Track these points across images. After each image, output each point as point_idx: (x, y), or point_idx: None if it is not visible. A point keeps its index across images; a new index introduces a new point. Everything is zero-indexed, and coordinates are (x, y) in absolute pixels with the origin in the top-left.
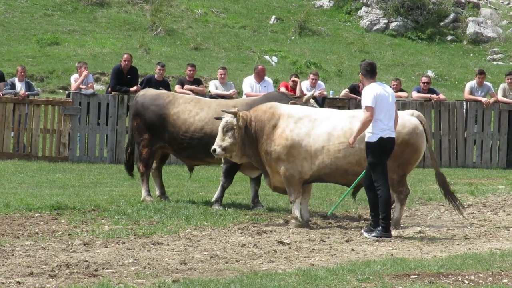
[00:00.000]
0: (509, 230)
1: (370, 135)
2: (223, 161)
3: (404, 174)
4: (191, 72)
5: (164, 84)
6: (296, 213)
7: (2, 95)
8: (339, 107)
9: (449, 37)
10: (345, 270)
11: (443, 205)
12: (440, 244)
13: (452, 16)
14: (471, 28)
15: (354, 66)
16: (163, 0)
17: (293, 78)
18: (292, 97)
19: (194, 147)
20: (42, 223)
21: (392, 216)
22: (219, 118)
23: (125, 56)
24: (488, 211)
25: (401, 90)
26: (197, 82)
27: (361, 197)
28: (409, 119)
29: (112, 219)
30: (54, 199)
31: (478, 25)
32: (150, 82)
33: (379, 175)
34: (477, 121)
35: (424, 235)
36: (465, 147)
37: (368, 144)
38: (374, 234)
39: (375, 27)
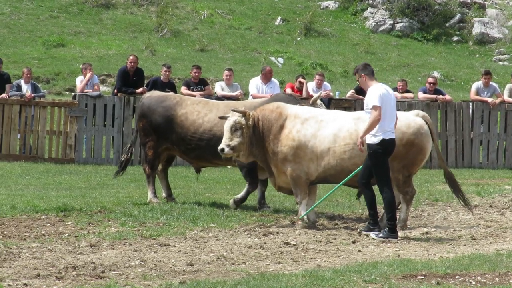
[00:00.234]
0: None
1: (372, 137)
2: (239, 163)
3: (410, 175)
4: (196, 74)
5: (170, 86)
6: (303, 213)
7: (8, 97)
8: (345, 108)
9: (455, 38)
10: (352, 271)
11: (450, 205)
12: (446, 245)
13: (458, 16)
14: (477, 29)
15: None
16: (168, 2)
17: (299, 79)
18: (299, 98)
19: (203, 148)
20: (48, 225)
21: (398, 216)
22: (224, 118)
23: (131, 57)
24: (494, 212)
25: (407, 91)
26: (203, 83)
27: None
28: (414, 119)
29: (119, 221)
30: (60, 201)
31: (484, 25)
32: (156, 84)
33: (382, 176)
34: (483, 121)
35: (430, 236)
36: (471, 147)
37: (371, 146)
38: (380, 235)
39: (381, 28)
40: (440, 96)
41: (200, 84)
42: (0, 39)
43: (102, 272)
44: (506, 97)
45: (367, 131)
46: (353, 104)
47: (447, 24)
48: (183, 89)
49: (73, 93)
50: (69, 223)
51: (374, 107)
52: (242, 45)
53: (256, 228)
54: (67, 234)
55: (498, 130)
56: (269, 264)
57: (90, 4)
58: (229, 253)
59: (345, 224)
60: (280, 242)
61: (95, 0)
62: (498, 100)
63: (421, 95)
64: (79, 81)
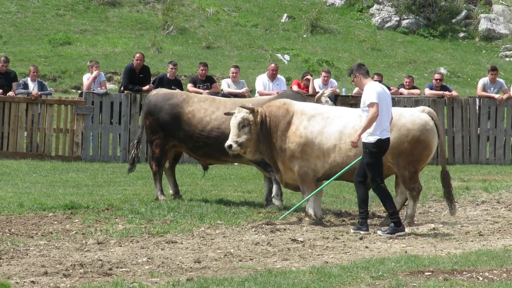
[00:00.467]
0: None
1: (369, 136)
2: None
3: (416, 171)
4: (203, 71)
5: (176, 83)
6: (310, 211)
7: (15, 95)
8: (351, 105)
9: (461, 34)
10: (359, 267)
11: (457, 202)
12: (454, 241)
13: (464, 13)
14: (483, 25)
15: (367, 64)
16: None
17: (306, 76)
18: (306, 95)
19: (210, 146)
20: (56, 222)
21: (405, 213)
22: (230, 114)
23: (137, 55)
24: (502, 208)
25: (414, 87)
26: (209, 80)
27: (374, 195)
28: (419, 115)
29: (126, 218)
30: (67, 198)
31: (490, 21)
32: (162, 81)
33: (376, 175)
34: (490, 117)
35: (438, 232)
36: (478, 143)
37: (366, 144)
38: (387, 231)
39: (387, 25)
40: (447, 93)
41: (206, 81)
42: (6, 37)
43: (110, 269)
44: None
45: (365, 128)
46: (360, 101)
47: (453, 21)
48: (190, 86)
49: (79, 91)
50: (76, 220)
51: (372, 104)
52: (248, 42)
53: (263, 225)
54: (74, 232)
55: (505, 126)
56: (276, 261)
57: (96, 2)
58: (236, 250)
59: (352, 221)
60: (287, 239)
61: None
62: (505, 96)
63: (427, 91)
64: (86, 79)
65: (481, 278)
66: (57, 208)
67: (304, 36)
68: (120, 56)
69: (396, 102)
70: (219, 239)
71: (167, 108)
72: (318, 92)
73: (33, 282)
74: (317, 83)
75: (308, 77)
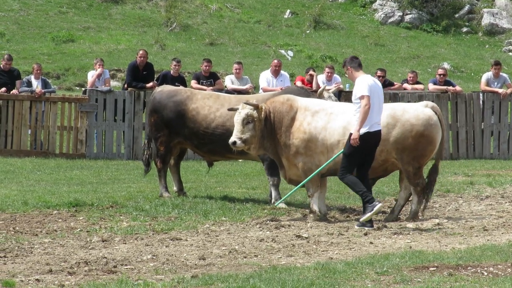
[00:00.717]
0: None
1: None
2: (261, 158)
3: (420, 166)
4: (207, 67)
5: (180, 80)
6: (314, 207)
7: (19, 93)
8: None
9: (465, 29)
10: (364, 263)
11: (461, 196)
12: (458, 236)
13: (467, 7)
14: (486, 20)
15: (370, 59)
16: None
17: (310, 72)
18: (310, 91)
19: (215, 143)
20: (60, 220)
21: (410, 208)
22: (233, 109)
23: (141, 52)
24: (506, 202)
25: (417, 83)
26: (213, 76)
27: (378, 190)
28: (423, 110)
29: (130, 216)
30: (72, 196)
31: (493, 16)
32: (166, 78)
33: (348, 165)
34: (494, 112)
35: (442, 227)
36: (482, 138)
37: (351, 135)
38: (363, 216)
39: (390, 20)
40: (451, 87)
41: (210, 78)
42: (9, 35)
43: (114, 267)
44: None
45: (361, 122)
46: None
47: (456, 15)
48: (193, 83)
49: (83, 89)
50: (81, 218)
51: (363, 97)
52: (251, 39)
53: (268, 222)
54: (79, 229)
55: (509, 121)
56: (281, 257)
57: None
58: (241, 246)
59: (357, 216)
60: (292, 235)
61: None
62: (509, 91)
63: (431, 86)
64: (91, 76)
65: (485, 273)
66: (62, 206)
67: (307, 32)
68: (124, 53)
69: (399, 98)
70: (224, 236)
71: (171, 105)
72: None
73: (37, 280)
74: (320, 79)
75: (311, 72)
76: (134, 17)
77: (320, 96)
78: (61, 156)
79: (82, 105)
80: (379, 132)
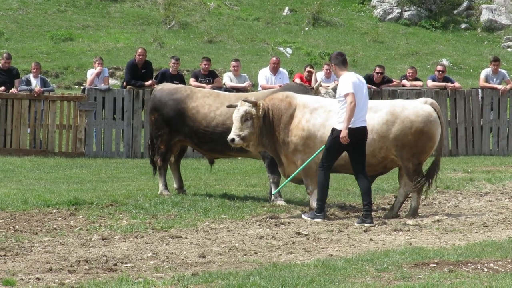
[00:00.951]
0: None
1: (340, 122)
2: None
3: (420, 163)
4: (206, 66)
5: (178, 78)
6: (314, 204)
7: (18, 91)
8: None
9: (463, 25)
10: (364, 260)
11: (461, 193)
12: (458, 232)
13: (465, 4)
14: (485, 16)
15: (369, 56)
16: None
17: (308, 69)
18: (309, 88)
19: (216, 141)
20: (60, 219)
21: (410, 205)
22: (232, 106)
23: (139, 50)
24: (506, 198)
25: (416, 79)
26: (212, 75)
27: (378, 187)
28: (422, 107)
29: (130, 214)
30: (71, 194)
31: (492, 12)
32: (165, 76)
33: (327, 160)
34: (493, 108)
35: (442, 224)
36: (481, 134)
37: (335, 131)
38: (308, 215)
39: (388, 17)
40: (449, 84)
41: (209, 76)
42: (8, 34)
43: (114, 265)
44: None
45: (348, 119)
46: None
47: (455, 12)
48: (192, 81)
49: (82, 87)
50: (81, 216)
51: (347, 95)
52: (250, 36)
53: (268, 219)
54: (79, 228)
55: (508, 117)
56: (281, 255)
57: None
58: (241, 244)
59: (356, 214)
60: (292, 232)
61: None
62: (508, 87)
63: (430, 83)
64: (90, 74)
65: (486, 269)
66: (61, 204)
67: (306, 29)
68: (122, 51)
69: (398, 94)
70: (224, 234)
71: (171, 103)
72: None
73: (38, 278)
74: (319, 76)
75: (309, 69)
76: (132, 15)
77: (317, 92)
78: (60, 155)
79: (81, 104)
80: (363, 128)
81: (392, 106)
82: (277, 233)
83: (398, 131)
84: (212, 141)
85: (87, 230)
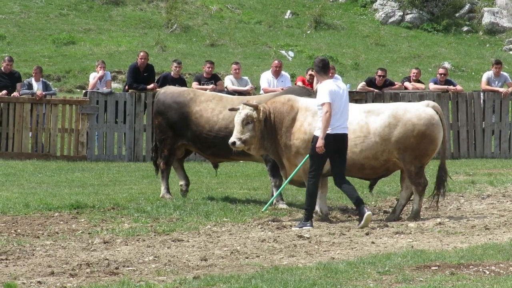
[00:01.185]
0: None
1: (318, 130)
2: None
3: (422, 166)
4: (210, 69)
5: (180, 81)
6: (316, 207)
7: (20, 95)
8: (356, 101)
9: (465, 28)
10: (366, 263)
11: (463, 196)
12: (460, 235)
13: (467, 6)
14: (486, 19)
15: (371, 59)
16: None
17: (310, 72)
18: (311, 91)
19: (219, 146)
20: (62, 222)
21: (411, 208)
22: (234, 109)
23: (141, 54)
24: (507, 201)
25: (419, 82)
26: (214, 78)
27: (380, 190)
28: (424, 110)
29: (132, 217)
30: (73, 198)
31: (494, 15)
32: (167, 80)
33: (314, 168)
34: (494, 111)
35: (444, 227)
36: (483, 137)
37: (315, 138)
38: (297, 226)
39: (390, 20)
40: (451, 87)
41: (211, 79)
42: (10, 37)
43: (116, 268)
44: None
45: (324, 129)
46: (364, 97)
47: (457, 15)
48: (194, 84)
49: (84, 91)
50: (82, 220)
51: (324, 104)
52: (252, 39)
53: (269, 222)
54: (81, 231)
55: (510, 120)
56: (283, 258)
57: (99, 1)
58: (243, 247)
59: (358, 217)
60: (294, 235)
61: None
62: (509, 90)
63: (432, 86)
64: (92, 78)
65: (487, 272)
66: (63, 208)
67: (308, 32)
68: (124, 55)
69: (400, 97)
70: (225, 237)
71: (175, 107)
72: None
73: (39, 282)
74: None
75: (311, 72)
76: (134, 19)
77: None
78: (62, 159)
79: (83, 107)
80: (343, 135)
81: (394, 109)
82: (279, 236)
83: (400, 134)
84: (215, 146)
85: (89, 233)
